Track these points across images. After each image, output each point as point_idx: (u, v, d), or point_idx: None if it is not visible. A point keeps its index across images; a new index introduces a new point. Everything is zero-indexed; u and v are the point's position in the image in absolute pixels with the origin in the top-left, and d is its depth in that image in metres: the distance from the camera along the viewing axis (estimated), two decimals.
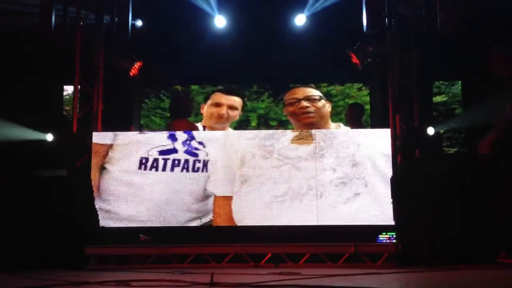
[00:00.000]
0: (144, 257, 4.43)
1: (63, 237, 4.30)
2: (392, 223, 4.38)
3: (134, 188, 4.50)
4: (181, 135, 4.54)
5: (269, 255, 4.37)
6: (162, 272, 3.52)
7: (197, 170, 4.48)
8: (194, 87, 6.63)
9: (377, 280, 2.87)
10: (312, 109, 5.16)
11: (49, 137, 5.42)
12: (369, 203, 4.44)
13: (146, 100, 6.76)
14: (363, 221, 4.40)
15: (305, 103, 5.17)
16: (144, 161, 4.47)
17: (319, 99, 5.19)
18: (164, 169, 4.45)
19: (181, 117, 5.49)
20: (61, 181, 4.55)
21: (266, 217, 4.47)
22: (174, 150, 4.50)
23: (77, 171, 4.75)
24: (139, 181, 4.49)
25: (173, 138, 4.53)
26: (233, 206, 4.48)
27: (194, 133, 4.56)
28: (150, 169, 4.46)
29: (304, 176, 4.48)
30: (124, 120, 5.93)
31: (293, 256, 4.40)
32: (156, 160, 4.47)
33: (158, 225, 4.50)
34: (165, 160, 4.47)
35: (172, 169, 4.46)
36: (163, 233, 4.50)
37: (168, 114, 6.51)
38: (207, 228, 4.49)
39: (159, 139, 4.55)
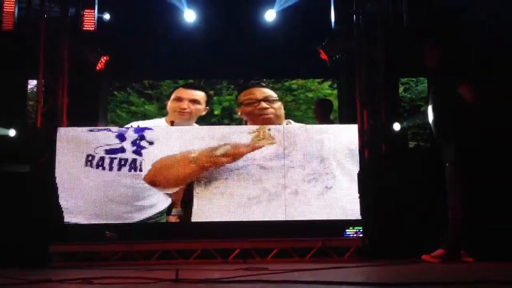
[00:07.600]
0: (110, 254, 4.36)
1: (26, 234, 4.22)
2: (359, 217, 4.43)
3: (80, 185, 4.35)
4: (130, 135, 4.41)
5: (237, 251, 4.37)
6: (127, 269, 3.48)
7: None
8: (165, 82, 6.58)
9: (341, 274, 2.90)
10: (271, 110, 5.15)
11: (12, 132, 5.29)
12: (338, 198, 4.44)
13: (115, 93, 6.66)
14: (332, 216, 4.40)
15: (264, 104, 5.15)
16: (90, 158, 4.34)
17: (277, 101, 5.20)
18: (111, 168, 4.34)
19: None
20: (24, 177, 4.46)
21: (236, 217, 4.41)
22: (122, 150, 4.37)
23: (40, 167, 4.63)
24: (85, 178, 4.35)
25: (121, 137, 4.39)
26: (193, 213, 4.38)
27: (145, 133, 4.42)
28: (97, 167, 4.34)
29: (274, 176, 4.41)
30: (91, 115, 5.83)
31: (261, 252, 4.40)
32: (102, 158, 4.34)
33: (114, 222, 4.37)
34: (112, 159, 4.35)
35: (119, 169, 4.35)
36: (128, 230, 4.43)
37: (134, 108, 6.42)
38: (174, 225, 4.43)
39: (107, 138, 4.40)
